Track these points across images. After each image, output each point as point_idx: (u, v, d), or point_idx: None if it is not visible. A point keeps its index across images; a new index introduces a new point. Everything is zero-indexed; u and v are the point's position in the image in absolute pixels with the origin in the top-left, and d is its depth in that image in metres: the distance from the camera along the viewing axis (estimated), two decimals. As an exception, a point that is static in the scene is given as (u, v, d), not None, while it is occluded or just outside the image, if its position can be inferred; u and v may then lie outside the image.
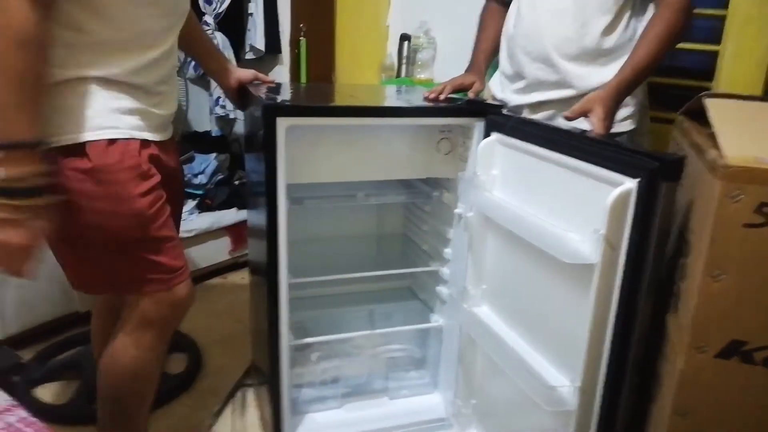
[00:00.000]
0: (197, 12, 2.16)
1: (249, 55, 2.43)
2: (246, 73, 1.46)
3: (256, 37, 2.37)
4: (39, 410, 1.55)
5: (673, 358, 0.86)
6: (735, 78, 1.83)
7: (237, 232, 2.43)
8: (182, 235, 2.23)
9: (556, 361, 1.12)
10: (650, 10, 1.27)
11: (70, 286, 1.13)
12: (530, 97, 1.37)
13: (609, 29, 1.27)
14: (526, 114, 1.39)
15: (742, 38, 1.81)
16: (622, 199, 0.89)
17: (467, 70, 1.50)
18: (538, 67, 1.34)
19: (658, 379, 0.94)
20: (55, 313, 1.91)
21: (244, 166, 2.48)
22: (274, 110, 1.17)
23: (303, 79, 2.53)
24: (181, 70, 2.32)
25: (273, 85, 1.50)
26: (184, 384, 1.72)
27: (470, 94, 1.42)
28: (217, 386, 1.73)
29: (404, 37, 2.49)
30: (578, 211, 1.02)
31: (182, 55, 2.40)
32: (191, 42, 1.34)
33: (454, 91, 1.43)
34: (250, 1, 2.35)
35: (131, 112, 1.03)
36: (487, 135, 1.29)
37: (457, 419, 1.48)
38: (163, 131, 1.14)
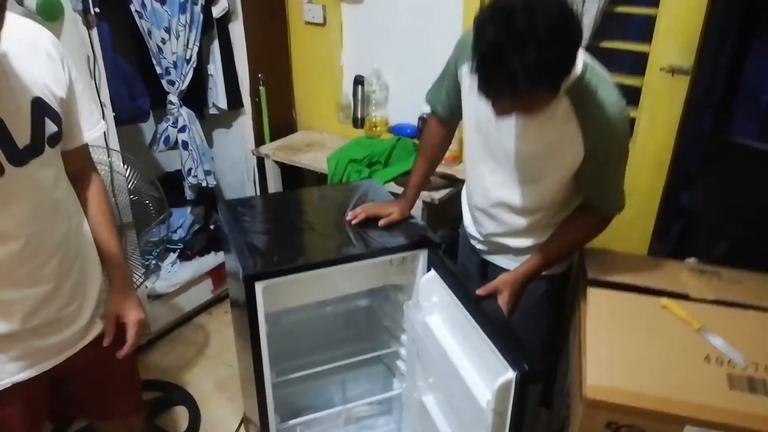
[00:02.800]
0: (161, 94, 2.29)
1: (213, 110, 2.57)
2: (126, 310, 1.33)
3: (218, 96, 2.50)
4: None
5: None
6: (649, 144, 2.11)
7: (217, 273, 2.68)
8: (167, 289, 2.51)
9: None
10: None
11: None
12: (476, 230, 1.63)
13: (542, 219, 1.46)
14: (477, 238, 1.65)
15: (655, 110, 2.07)
16: (506, 384, 1.14)
17: (398, 198, 1.68)
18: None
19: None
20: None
21: (218, 210, 2.67)
22: (252, 278, 1.42)
23: (265, 125, 2.69)
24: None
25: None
26: (188, 444, 2.05)
27: (381, 223, 1.59)
28: (217, 441, 2.07)
29: (358, 81, 2.64)
30: (485, 364, 1.28)
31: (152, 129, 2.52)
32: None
33: (369, 218, 1.60)
34: (209, 63, 2.46)
35: None
36: (429, 266, 1.56)
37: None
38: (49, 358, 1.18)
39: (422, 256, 1.58)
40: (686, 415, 1.01)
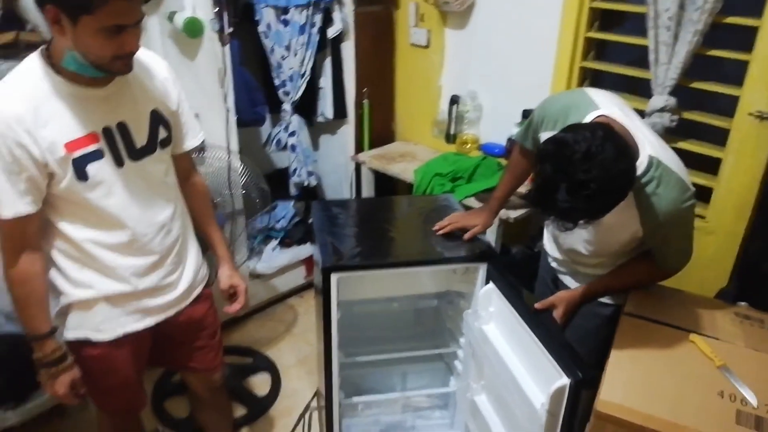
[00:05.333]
0: (277, 102, 2.63)
1: (320, 119, 2.89)
2: (237, 281, 1.72)
3: (326, 106, 2.81)
4: (167, 421, 2.25)
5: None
6: (733, 186, 2.12)
7: (310, 262, 2.99)
8: (266, 271, 2.84)
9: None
10: None
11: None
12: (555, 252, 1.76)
13: (609, 263, 1.58)
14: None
15: (742, 153, 2.08)
16: (560, 389, 1.29)
17: (482, 208, 1.86)
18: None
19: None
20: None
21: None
22: (329, 269, 1.67)
23: (366, 134, 2.96)
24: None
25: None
26: (267, 405, 2.36)
27: (466, 236, 1.76)
28: (291, 407, 2.36)
29: (453, 100, 2.83)
30: (540, 370, 1.44)
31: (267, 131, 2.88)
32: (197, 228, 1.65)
33: (456, 230, 1.78)
34: (320, 77, 2.77)
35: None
36: (488, 279, 1.73)
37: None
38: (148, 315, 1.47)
39: (482, 268, 1.75)
40: (686, 440, 1.12)
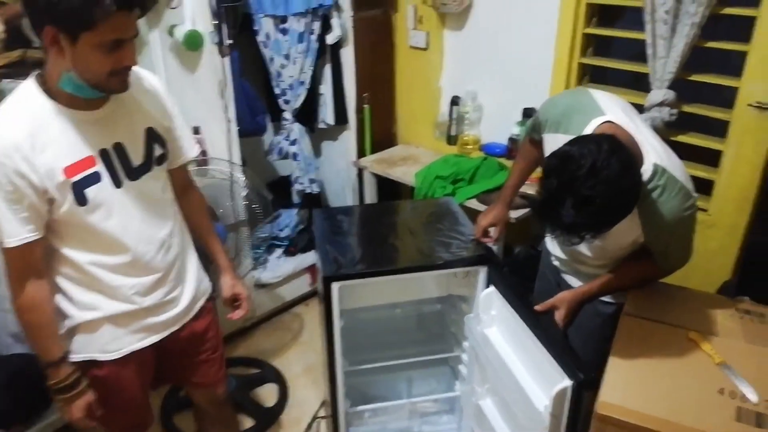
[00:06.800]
0: (277, 110, 2.64)
1: (321, 125, 2.90)
2: (240, 289, 1.69)
3: (327, 113, 2.82)
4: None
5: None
6: (734, 179, 2.09)
7: (315, 269, 2.99)
8: (271, 280, 2.84)
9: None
10: None
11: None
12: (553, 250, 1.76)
13: (609, 265, 1.57)
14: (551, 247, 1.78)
15: (742, 145, 2.05)
16: (562, 391, 1.29)
17: (496, 201, 1.84)
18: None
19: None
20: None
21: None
22: (330, 278, 1.67)
23: (367, 139, 2.97)
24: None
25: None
26: (274, 416, 2.36)
27: (490, 240, 1.77)
28: (299, 417, 2.36)
29: (454, 101, 2.83)
30: (542, 372, 1.43)
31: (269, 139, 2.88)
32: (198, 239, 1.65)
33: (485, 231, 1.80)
34: (321, 84, 2.79)
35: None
36: (488, 282, 1.72)
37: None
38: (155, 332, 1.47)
39: (482, 271, 1.75)
40: (687, 440, 1.10)
